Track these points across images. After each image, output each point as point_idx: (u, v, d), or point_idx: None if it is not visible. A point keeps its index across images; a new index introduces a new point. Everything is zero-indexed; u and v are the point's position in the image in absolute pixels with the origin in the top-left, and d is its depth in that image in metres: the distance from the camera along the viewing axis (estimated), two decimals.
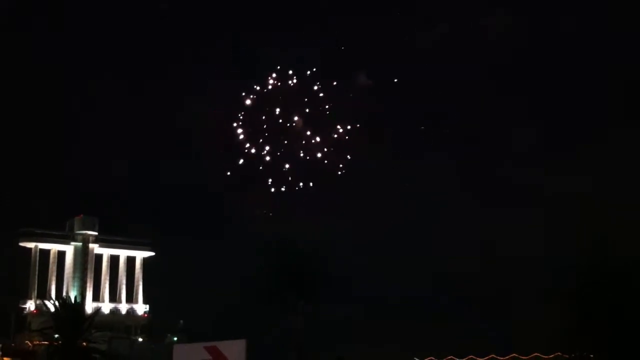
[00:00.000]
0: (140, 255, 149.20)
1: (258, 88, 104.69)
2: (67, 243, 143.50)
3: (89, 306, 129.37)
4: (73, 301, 59.19)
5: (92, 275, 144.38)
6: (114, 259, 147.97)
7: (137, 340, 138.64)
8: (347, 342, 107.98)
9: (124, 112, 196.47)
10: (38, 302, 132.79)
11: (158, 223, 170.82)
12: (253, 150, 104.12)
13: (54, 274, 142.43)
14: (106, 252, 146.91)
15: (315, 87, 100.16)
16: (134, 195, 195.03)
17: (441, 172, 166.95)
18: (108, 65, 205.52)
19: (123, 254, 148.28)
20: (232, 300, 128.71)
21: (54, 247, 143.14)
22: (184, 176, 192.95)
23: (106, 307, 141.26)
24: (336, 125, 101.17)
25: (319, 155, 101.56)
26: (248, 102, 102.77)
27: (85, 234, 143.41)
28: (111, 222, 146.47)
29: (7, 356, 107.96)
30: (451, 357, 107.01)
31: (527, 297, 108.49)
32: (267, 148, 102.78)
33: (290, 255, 78.95)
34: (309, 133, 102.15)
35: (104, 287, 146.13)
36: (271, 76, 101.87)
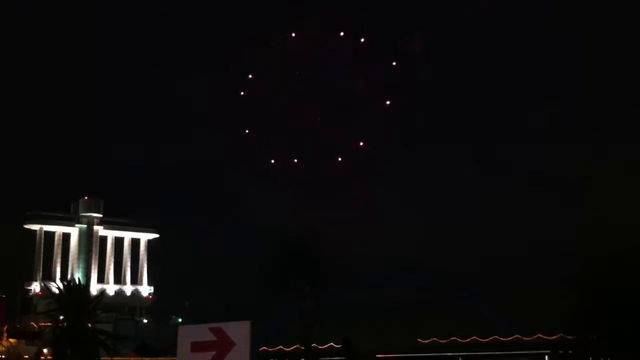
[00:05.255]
0: (144, 237, 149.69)
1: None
2: (72, 225, 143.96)
3: (94, 288, 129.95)
4: (78, 283, 59.35)
5: (97, 257, 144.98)
6: (119, 241, 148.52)
7: (142, 321, 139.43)
8: (353, 326, 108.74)
9: (126, 94, 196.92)
10: (43, 283, 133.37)
11: (163, 205, 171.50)
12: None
13: (59, 256, 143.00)
14: (111, 234, 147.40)
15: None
16: (139, 177, 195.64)
17: (452, 159, 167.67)
18: (112, 44, 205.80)
19: (127, 236, 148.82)
20: (238, 283, 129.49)
21: (58, 229, 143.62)
22: (189, 158, 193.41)
23: (111, 288, 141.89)
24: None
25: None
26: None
27: (90, 216, 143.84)
28: (116, 204, 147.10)
29: (13, 337, 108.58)
30: (454, 338, 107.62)
31: (532, 282, 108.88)
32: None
33: (296, 243, 79.21)
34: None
35: (109, 269, 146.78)
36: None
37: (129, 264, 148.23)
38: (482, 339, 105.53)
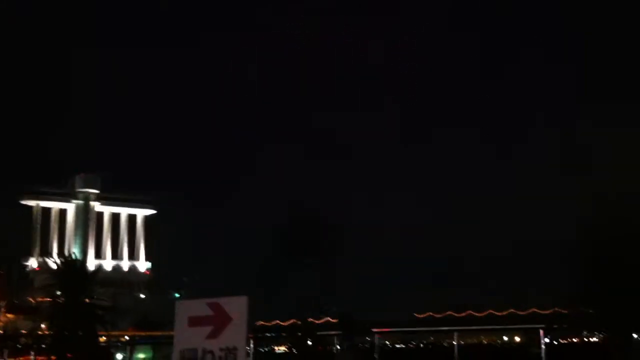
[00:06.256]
0: (141, 213, 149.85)
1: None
2: (69, 201, 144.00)
3: (91, 263, 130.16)
4: (75, 258, 59.49)
5: (94, 232, 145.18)
6: (116, 217, 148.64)
7: (139, 296, 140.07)
8: (351, 300, 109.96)
9: (124, 67, 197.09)
10: (40, 259, 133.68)
11: (160, 181, 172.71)
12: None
13: (56, 231, 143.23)
14: (108, 210, 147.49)
15: None
16: (137, 152, 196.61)
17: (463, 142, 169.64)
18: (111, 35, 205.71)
19: (124, 211, 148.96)
20: (236, 258, 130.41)
21: (55, 205, 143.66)
22: (187, 135, 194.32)
23: (108, 264, 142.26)
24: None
25: None
26: None
27: (87, 192, 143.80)
28: (113, 179, 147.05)
29: (10, 313, 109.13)
30: (450, 312, 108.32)
31: (528, 257, 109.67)
32: None
33: (300, 221, 79.40)
34: None
35: (106, 245, 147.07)
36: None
37: (126, 239, 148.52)
38: (477, 313, 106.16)
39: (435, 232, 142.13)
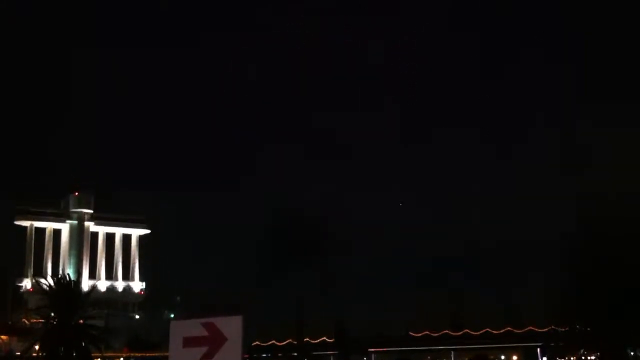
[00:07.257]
0: (136, 232, 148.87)
1: None
2: (63, 221, 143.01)
3: (85, 284, 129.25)
4: (69, 279, 59.11)
5: (88, 252, 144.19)
6: (110, 237, 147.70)
7: (134, 316, 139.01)
8: (348, 308, 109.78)
9: (124, 67, 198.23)
10: (34, 280, 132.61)
11: (160, 181, 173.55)
12: None
13: (50, 252, 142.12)
14: (102, 230, 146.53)
15: None
16: (137, 152, 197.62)
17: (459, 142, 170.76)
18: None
19: (119, 231, 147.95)
20: (236, 258, 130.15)
21: (49, 225, 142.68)
22: (187, 135, 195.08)
23: (102, 284, 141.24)
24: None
25: None
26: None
27: (81, 212, 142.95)
28: (107, 198, 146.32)
29: (4, 334, 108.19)
30: (446, 331, 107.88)
31: (528, 257, 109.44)
32: None
33: (293, 225, 79.44)
34: None
35: (100, 265, 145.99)
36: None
37: (120, 259, 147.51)
38: (474, 332, 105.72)
39: (435, 232, 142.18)
